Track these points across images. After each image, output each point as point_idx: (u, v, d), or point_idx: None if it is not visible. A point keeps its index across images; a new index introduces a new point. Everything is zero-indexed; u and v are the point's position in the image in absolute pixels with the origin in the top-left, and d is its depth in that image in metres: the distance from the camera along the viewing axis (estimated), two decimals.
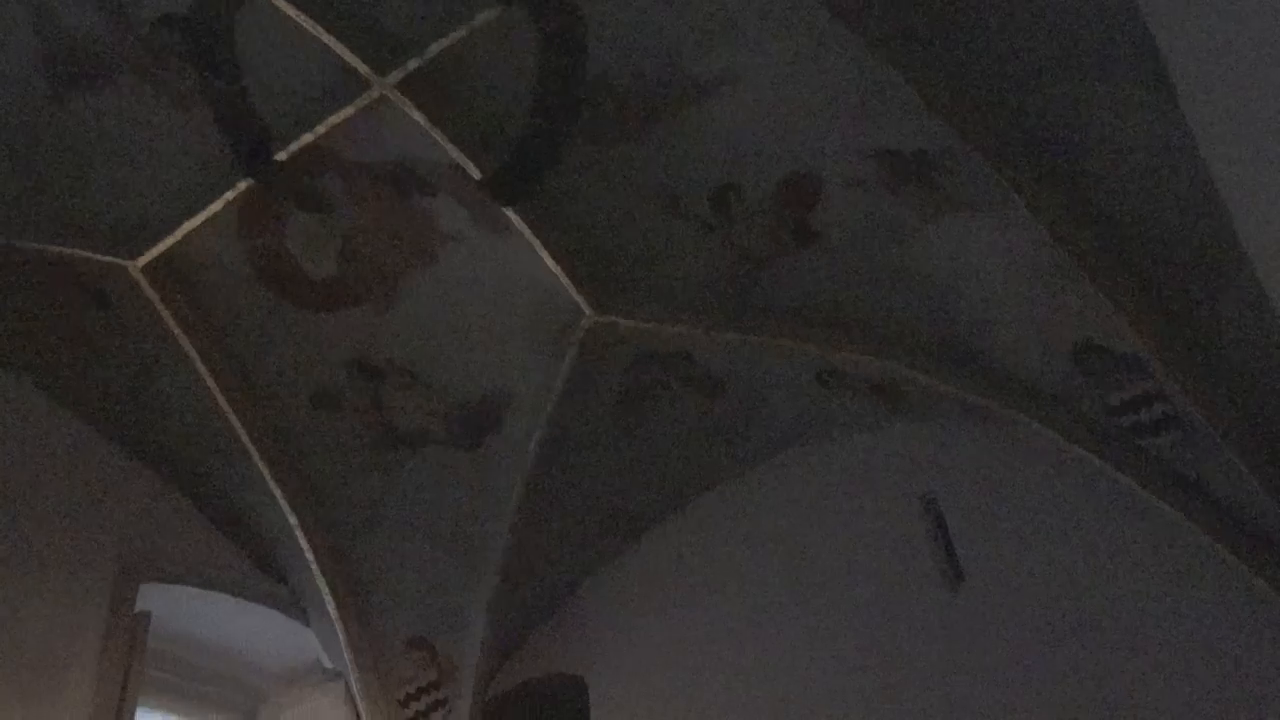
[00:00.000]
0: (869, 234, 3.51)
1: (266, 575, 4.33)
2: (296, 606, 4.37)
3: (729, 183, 3.49)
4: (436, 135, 3.28)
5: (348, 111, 3.23)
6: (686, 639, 4.32)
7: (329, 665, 4.44)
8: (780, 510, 4.37)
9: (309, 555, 4.11)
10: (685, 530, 4.62)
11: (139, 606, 3.82)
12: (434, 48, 3.08)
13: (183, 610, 4.08)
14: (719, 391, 4.23)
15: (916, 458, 4.12)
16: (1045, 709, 3.39)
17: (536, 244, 3.58)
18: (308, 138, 3.31)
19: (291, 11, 2.96)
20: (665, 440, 4.38)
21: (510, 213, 3.50)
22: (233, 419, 3.86)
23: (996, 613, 3.64)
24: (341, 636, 4.23)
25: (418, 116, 3.23)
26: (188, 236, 3.52)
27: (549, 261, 3.62)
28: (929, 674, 3.65)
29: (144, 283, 3.57)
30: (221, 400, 3.82)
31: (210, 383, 3.78)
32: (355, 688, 4.30)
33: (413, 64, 3.11)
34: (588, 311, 3.76)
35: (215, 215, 3.49)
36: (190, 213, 3.49)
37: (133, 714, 3.65)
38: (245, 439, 3.87)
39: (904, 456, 4.15)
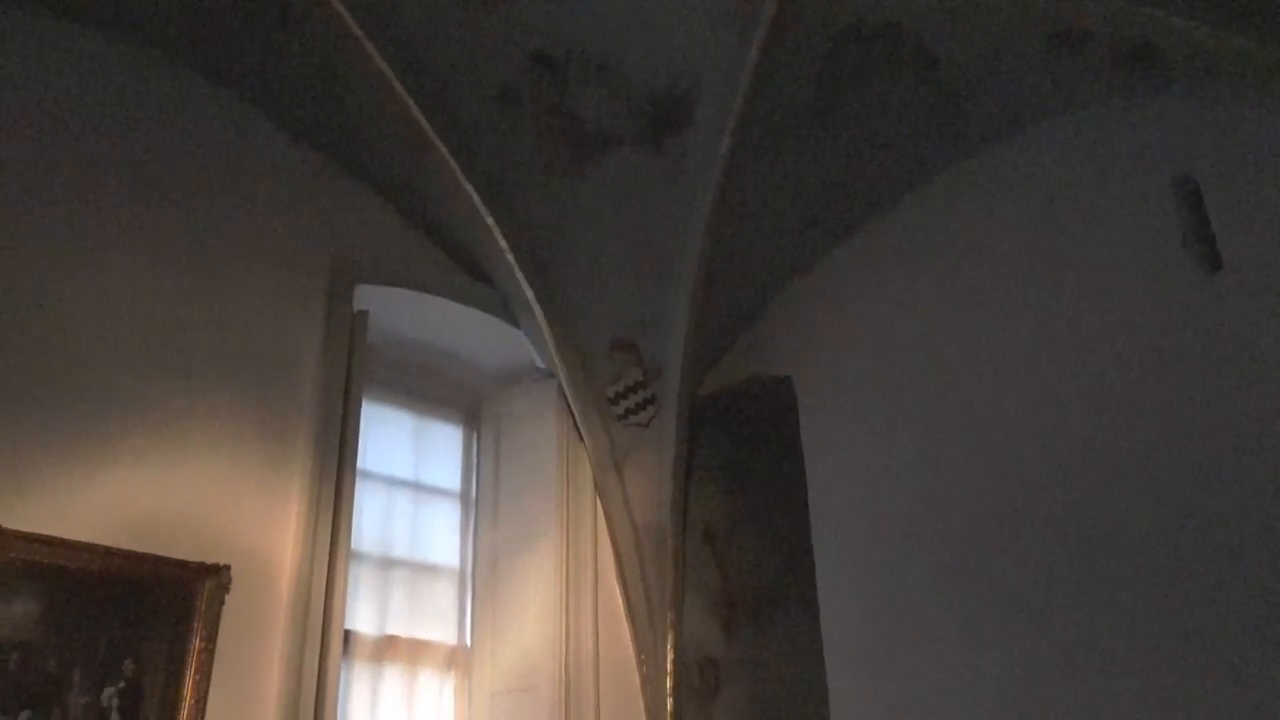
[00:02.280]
0: None
1: (475, 279, 4.43)
2: (505, 310, 4.48)
3: None
4: None
5: None
6: (900, 339, 4.11)
7: (540, 366, 4.59)
8: (1007, 199, 3.93)
9: (510, 258, 4.13)
10: (899, 226, 4.28)
11: (356, 307, 4.02)
12: None
13: (399, 312, 4.26)
14: (933, 68, 3.75)
15: (1171, 133, 3.54)
16: None
17: None
18: None
19: None
20: (873, 129, 3.99)
21: None
22: (422, 122, 3.81)
23: (1256, 303, 3.18)
24: (548, 338, 4.32)
25: None
26: None
27: None
28: (1180, 368, 3.28)
29: None
30: (410, 103, 3.76)
31: (396, 85, 3.72)
32: (566, 387, 4.44)
33: None
34: None
35: None
36: None
37: (359, 408, 3.91)
38: (435, 139, 3.82)
39: (1156, 132, 3.58)
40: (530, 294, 4.21)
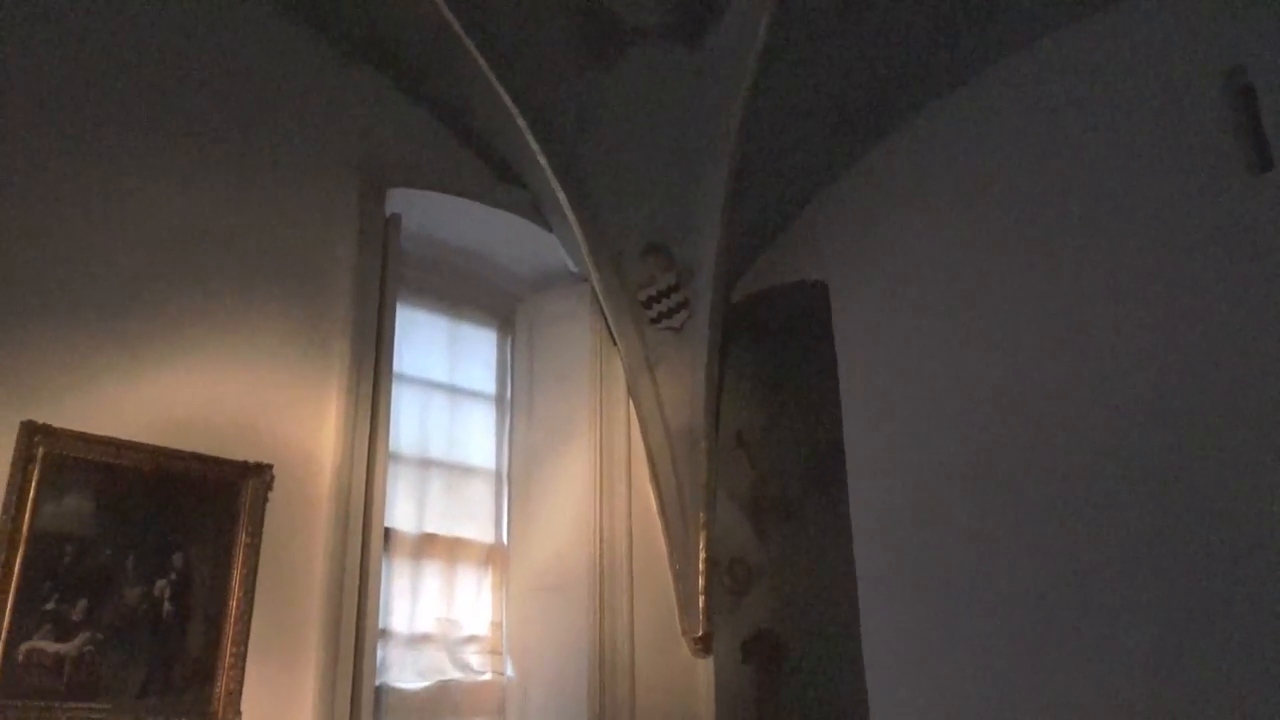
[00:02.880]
0: None
1: (507, 182, 4.41)
2: (537, 213, 4.46)
3: None
4: None
5: None
6: (936, 243, 4.05)
7: (573, 269, 4.59)
8: (1048, 99, 3.81)
9: (541, 160, 4.09)
10: (935, 127, 4.18)
11: (389, 211, 4.02)
12: None
13: (432, 216, 4.26)
14: None
15: (1223, 22, 3.39)
16: None
17: None
18: None
19: None
20: (910, 25, 3.85)
21: None
22: (452, 21, 3.73)
23: None
24: (580, 241, 4.31)
25: None
26: None
27: None
28: (1225, 271, 3.20)
29: None
30: (440, 1, 3.69)
31: None
32: (598, 290, 4.45)
33: None
34: None
35: None
36: None
37: (394, 312, 3.94)
38: (465, 38, 3.75)
39: (1207, 21, 3.43)
40: (562, 196, 4.18)
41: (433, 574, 4.17)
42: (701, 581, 4.42)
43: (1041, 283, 3.67)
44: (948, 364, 3.89)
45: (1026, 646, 3.39)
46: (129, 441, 3.14)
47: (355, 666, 3.43)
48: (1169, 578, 3.10)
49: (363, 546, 3.57)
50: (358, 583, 3.51)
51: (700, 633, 4.38)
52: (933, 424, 3.87)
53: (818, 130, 4.27)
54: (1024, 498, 3.52)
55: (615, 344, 4.52)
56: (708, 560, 4.44)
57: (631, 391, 4.52)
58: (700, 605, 4.40)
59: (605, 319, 4.51)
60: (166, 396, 3.29)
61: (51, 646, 2.86)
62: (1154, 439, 3.24)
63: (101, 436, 3.09)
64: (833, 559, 4.18)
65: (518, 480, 4.54)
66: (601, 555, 4.23)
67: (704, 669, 4.42)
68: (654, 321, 4.54)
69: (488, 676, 4.22)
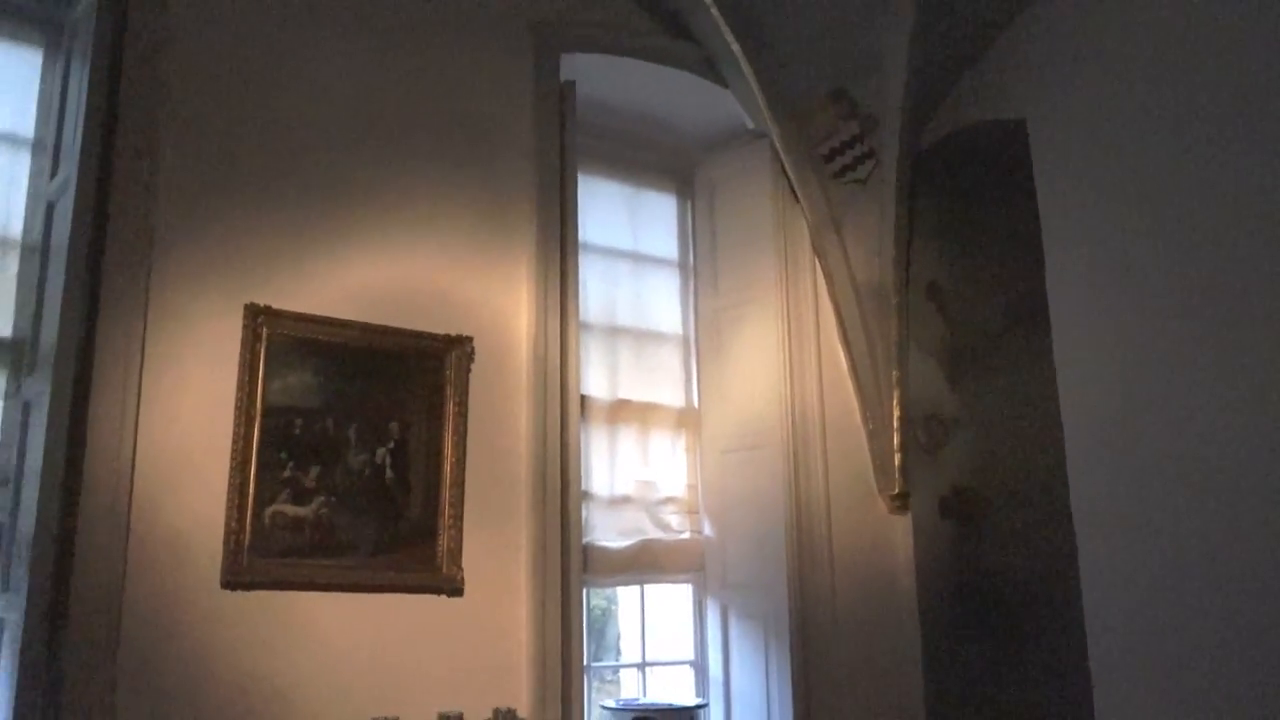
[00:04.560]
0: None
1: (680, 39, 4.27)
2: (712, 69, 4.32)
3: None
4: None
5: None
6: (1146, 73, 3.67)
7: (751, 126, 4.44)
8: None
9: (714, 11, 3.93)
10: None
11: (564, 77, 3.97)
12: None
13: (605, 80, 4.18)
14: None
15: None
16: None
17: None
18: None
19: None
20: None
21: None
22: None
23: None
24: (758, 95, 4.15)
25: None
26: None
27: None
28: None
29: None
30: None
31: None
32: (778, 146, 4.30)
33: None
34: None
35: None
36: None
37: (575, 181, 3.94)
38: None
39: None
40: (737, 48, 4.02)
41: (628, 438, 4.28)
42: (896, 439, 4.35)
43: (1259, 103, 3.28)
44: (1160, 201, 3.57)
45: (1252, 504, 3.18)
46: (340, 319, 3.31)
47: (563, 525, 3.59)
48: None
49: (561, 413, 3.67)
50: (560, 450, 3.64)
51: (896, 490, 4.34)
52: (1145, 268, 3.59)
53: None
54: (1244, 346, 3.24)
55: (798, 201, 4.38)
56: (902, 417, 4.35)
57: (817, 249, 4.40)
58: (896, 463, 4.35)
59: (787, 176, 4.36)
60: (370, 275, 3.43)
61: (291, 510, 3.11)
62: None
63: (316, 315, 3.27)
64: (1035, 411, 4.00)
65: (705, 344, 4.54)
66: (793, 416, 4.21)
67: (902, 526, 4.39)
68: (837, 175, 4.37)
69: (686, 535, 4.33)
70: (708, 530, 4.35)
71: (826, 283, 4.41)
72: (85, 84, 2.90)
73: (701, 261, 4.63)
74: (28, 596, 2.56)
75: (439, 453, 3.40)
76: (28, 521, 2.67)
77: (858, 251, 4.38)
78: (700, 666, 4.30)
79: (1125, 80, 3.75)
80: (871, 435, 4.38)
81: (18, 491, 2.82)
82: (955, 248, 4.65)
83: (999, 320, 4.58)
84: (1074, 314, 3.86)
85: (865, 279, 4.38)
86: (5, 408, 2.98)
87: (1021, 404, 4.33)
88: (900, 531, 4.38)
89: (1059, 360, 3.87)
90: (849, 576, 4.20)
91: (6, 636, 2.70)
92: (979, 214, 4.64)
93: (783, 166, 4.35)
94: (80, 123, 2.88)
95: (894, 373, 4.36)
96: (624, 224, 4.55)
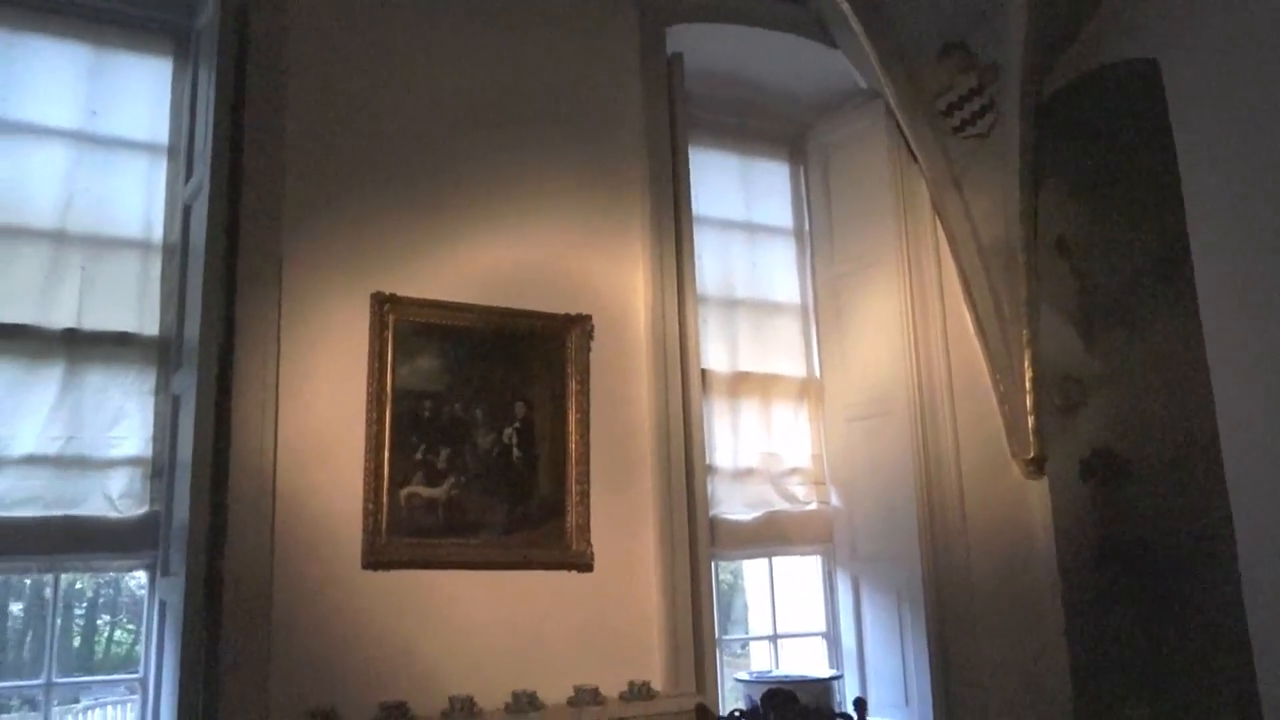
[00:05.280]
0: None
1: (786, 1, 4.18)
2: (820, 29, 4.21)
3: None
4: None
5: None
6: None
7: (864, 85, 4.32)
8: None
9: None
10: None
11: (670, 50, 3.94)
12: None
13: (712, 49, 4.13)
14: None
15: None
16: None
17: None
18: None
19: None
20: None
21: None
22: None
23: None
24: (869, 51, 4.03)
25: None
26: None
27: None
28: None
29: None
30: None
31: None
32: (893, 103, 4.17)
33: None
34: None
35: None
36: None
37: (686, 154, 3.91)
38: None
39: None
40: (846, 6, 3.91)
41: (750, 410, 4.24)
42: (1029, 401, 4.20)
43: None
44: None
45: None
46: (462, 304, 3.37)
47: (689, 499, 3.59)
48: None
49: (683, 387, 3.67)
50: (682, 423, 3.63)
51: (1031, 454, 4.19)
52: None
53: None
54: None
55: (915, 160, 4.25)
56: (1034, 379, 4.19)
57: (937, 208, 4.26)
58: (1029, 426, 4.20)
59: (903, 134, 4.23)
60: (488, 258, 3.49)
61: (425, 491, 3.19)
62: None
63: (438, 300, 3.34)
64: (1180, 367, 3.79)
65: (825, 312, 4.46)
66: (919, 381, 4.10)
67: (1038, 491, 4.24)
68: (956, 130, 4.21)
69: (813, 506, 4.28)
70: (835, 501, 4.29)
71: (949, 243, 4.28)
72: (212, 89, 3.01)
73: (817, 229, 4.55)
74: (185, 580, 2.70)
75: (563, 431, 3.43)
76: (182, 510, 2.81)
77: (981, 209, 4.23)
78: (832, 639, 4.25)
79: (1265, 8, 3.50)
80: (1002, 398, 4.24)
81: (171, 482, 2.98)
82: (1084, 199, 4.43)
83: (1136, 274, 4.36)
84: (1220, 262, 3.63)
85: (990, 237, 4.22)
86: (156, 402, 3.13)
87: (1165, 360, 4.11)
88: (1037, 496, 4.23)
89: (1204, 312, 3.66)
90: (984, 544, 4.08)
91: (170, 616, 2.86)
92: (1110, 162, 4.41)
93: (898, 125, 4.22)
94: (210, 127, 2.99)
95: (1024, 333, 4.19)
96: (737, 195, 4.49)
